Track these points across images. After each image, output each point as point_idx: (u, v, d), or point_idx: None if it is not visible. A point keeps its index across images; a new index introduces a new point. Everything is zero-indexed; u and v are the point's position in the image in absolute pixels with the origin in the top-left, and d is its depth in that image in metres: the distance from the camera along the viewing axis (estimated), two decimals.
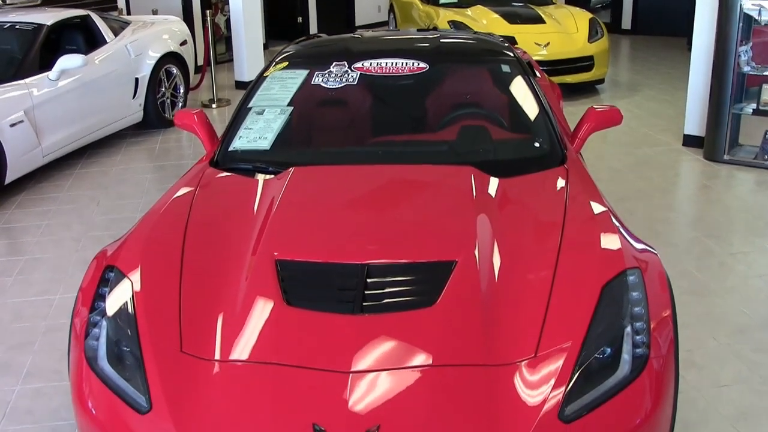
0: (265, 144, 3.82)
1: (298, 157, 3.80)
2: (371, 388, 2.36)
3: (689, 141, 7.36)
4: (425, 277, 2.76)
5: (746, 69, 6.63)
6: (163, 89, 8.45)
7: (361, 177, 3.53)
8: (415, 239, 2.98)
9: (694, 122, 7.31)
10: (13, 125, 6.24)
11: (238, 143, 3.86)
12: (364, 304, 2.63)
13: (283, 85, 4.16)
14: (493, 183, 3.33)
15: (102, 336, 2.65)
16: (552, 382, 2.39)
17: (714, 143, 6.90)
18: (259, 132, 3.89)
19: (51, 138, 6.72)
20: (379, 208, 3.27)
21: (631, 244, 2.94)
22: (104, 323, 2.68)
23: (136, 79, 7.94)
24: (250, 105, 4.09)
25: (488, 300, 2.65)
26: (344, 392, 2.33)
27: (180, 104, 8.74)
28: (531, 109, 3.99)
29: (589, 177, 3.55)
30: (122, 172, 7.08)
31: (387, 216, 3.20)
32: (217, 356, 2.52)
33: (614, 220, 3.09)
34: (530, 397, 2.35)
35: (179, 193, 3.44)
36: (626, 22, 14.75)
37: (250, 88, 4.23)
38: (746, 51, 6.63)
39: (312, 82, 4.11)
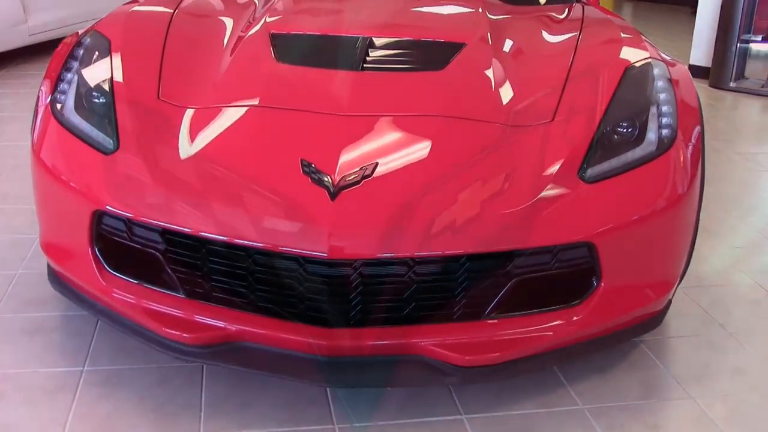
0: None
1: None
2: (370, 130, 2.10)
3: (695, 71, 7.07)
4: (433, 50, 2.52)
5: None
6: None
7: None
8: (422, 23, 2.75)
9: (701, 52, 7.07)
10: None
11: None
12: (364, 65, 2.38)
13: None
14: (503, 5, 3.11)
15: (71, 90, 2.36)
16: (571, 146, 2.14)
17: (720, 71, 6.67)
18: None
19: (39, 17, 6.42)
20: (386, 6, 3.03)
21: (659, 53, 2.72)
22: (75, 78, 2.40)
23: None
24: None
25: (500, 71, 2.41)
26: (338, 132, 2.08)
27: None
28: None
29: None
30: None
31: (393, 8, 2.96)
32: (198, 104, 2.26)
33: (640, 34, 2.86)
34: (549, 156, 2.11)
35: None
36: None
37: None
38: None
39: None
